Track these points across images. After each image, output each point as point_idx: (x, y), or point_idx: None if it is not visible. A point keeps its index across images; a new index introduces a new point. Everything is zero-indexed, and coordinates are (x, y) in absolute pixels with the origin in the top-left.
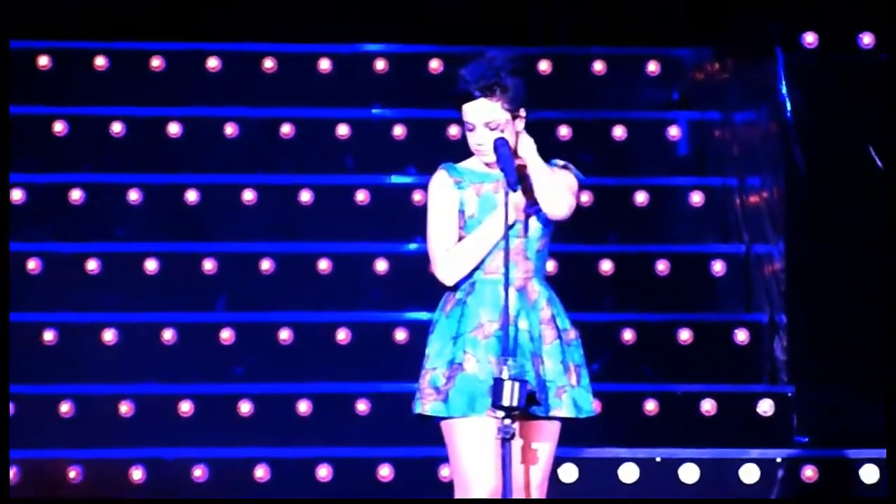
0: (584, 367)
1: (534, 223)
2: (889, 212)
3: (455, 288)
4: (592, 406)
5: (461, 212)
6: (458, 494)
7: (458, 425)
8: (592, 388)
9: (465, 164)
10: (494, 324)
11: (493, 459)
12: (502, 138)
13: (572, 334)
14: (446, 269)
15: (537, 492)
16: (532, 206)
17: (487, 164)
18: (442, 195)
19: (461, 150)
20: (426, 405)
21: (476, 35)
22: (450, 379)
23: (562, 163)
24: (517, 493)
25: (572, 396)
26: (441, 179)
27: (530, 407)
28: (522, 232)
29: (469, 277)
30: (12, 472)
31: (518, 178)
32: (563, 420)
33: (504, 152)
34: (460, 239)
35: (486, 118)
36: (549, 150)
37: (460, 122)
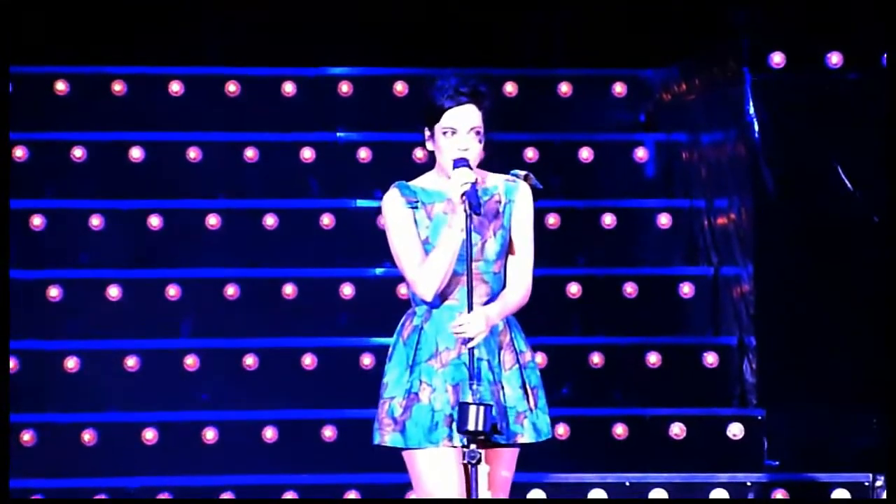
0: (540, 388)
1: (490, 245)
2: (860, 233)
3: (413, 313)
4: (550, 428)
5: None
6: None
7: (418, 456)
8: (561, 412)
9: (417, 183)
10: (451, 352)
11: (456, 484)
12: (465, 159)
13: (528, 356)
14: (422, 287)
15: None
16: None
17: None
18: (399, 214)
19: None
20: (385, 436)
21: (440, 57)
22: (406, 409)
23: (523, 173)
24: None
25: (532, 421)
26: (394, 199)
27: (493, 436)
28: (479, 255)
29: (427, 303)
30: None
31: (479, 202)
32: (524, 444)
33: (472, 189)
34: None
35: (471, 123)
36: None
37: (423, 144)
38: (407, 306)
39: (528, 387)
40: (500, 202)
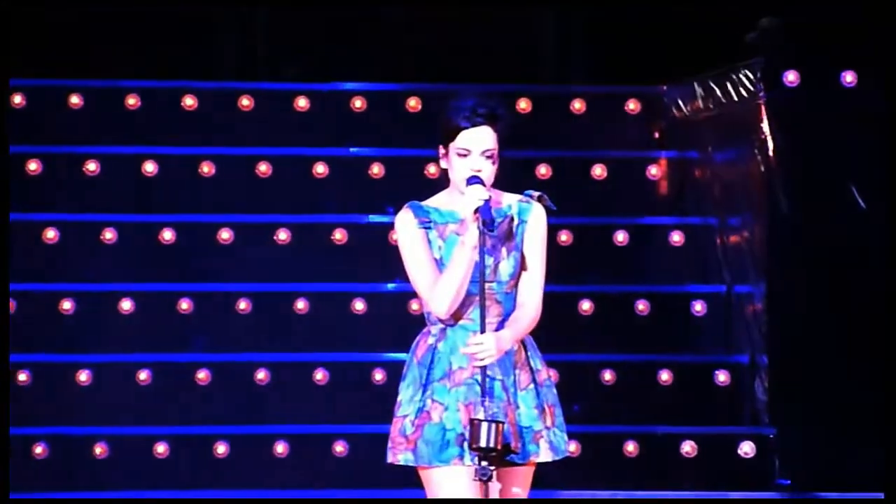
0: (557, 406)
1: (503, 266)
2: (872, 251)
3: (427, 332)
4: (566, 446)
5: None
6: None
7: (432, 474)
8: (572, 429)
9: (430, 203)
10: (465, 371)
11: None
12: (479, 177)
13: (545, 374)
14: (436, 305)
15: None
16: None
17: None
18: (411, 235)
19: (440, 189)
20: (398, 455)
21: (454, 73)
22: (418, 428)
23: (537, 194)
24: None
25: (548, 439)
26: (407, 220)
27: (507, 455)
28: (492, 276)
29: (442, 321)
30: None
31: (492, 219)
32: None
33: (485, 206)
34: None
35: (485, 145)
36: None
37: (437, 159)
38: (419, 322)
39: (545, 405)
40: (513, 222)
